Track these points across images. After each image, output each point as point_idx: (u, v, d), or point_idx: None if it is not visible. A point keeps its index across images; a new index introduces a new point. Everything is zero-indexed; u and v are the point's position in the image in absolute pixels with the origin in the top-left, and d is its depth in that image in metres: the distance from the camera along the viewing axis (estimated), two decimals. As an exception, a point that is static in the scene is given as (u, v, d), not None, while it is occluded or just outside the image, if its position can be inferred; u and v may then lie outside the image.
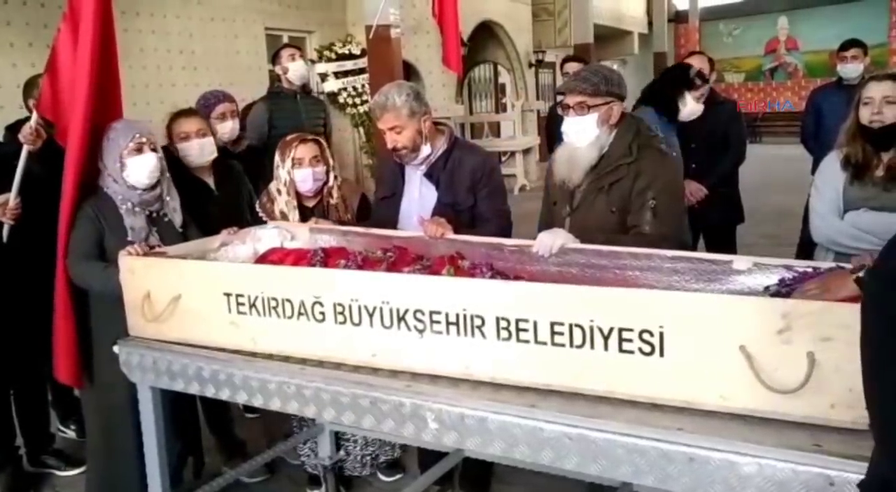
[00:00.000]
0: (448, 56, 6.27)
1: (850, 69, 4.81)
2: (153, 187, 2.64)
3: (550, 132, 6.10)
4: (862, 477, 1.19)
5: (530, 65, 13.74)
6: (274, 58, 4.88)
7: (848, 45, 4.90)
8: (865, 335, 1.05)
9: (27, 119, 3.03)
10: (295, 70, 4.65)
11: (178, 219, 2.71)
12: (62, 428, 3.84)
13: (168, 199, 2.70)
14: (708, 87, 4.08)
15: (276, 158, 2.95)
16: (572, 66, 5.46)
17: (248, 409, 3.79)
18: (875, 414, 1.05)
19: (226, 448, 3.42)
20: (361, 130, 9.54)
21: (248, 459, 3.03)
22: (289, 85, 4.71)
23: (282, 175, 2.92)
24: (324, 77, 9.30)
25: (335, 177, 3.01)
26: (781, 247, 4.37)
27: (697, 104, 3.80)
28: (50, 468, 3.46)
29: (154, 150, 2.63)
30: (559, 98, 2.51)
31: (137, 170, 2.58)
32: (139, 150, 2.58)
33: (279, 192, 2.94)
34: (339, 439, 3.06)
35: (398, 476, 3.24)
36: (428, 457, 2.85)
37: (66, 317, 2.66)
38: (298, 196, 2.93)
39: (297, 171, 2.88)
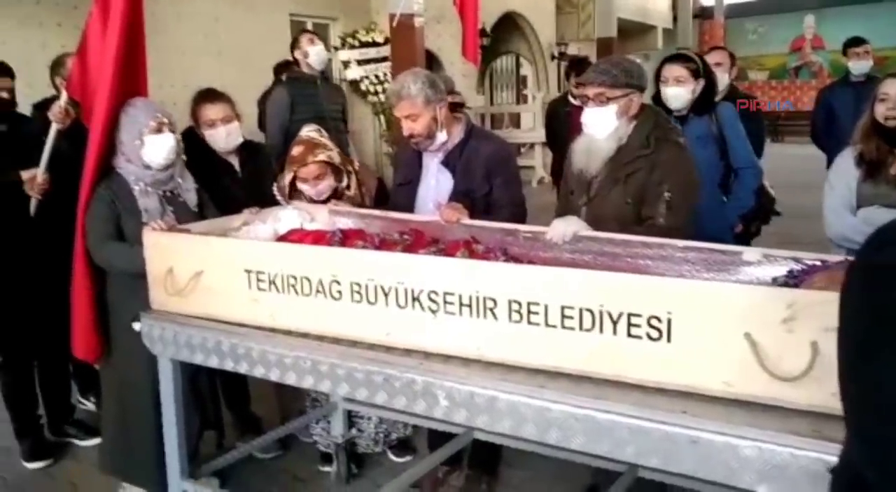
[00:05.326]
0: (466, 46, 6.27)
1: (864, 65, 4.95)
2: (166, 167, 2.68)
3: (550, 128, 6.03)
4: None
5: (552, 57, 13.71)
6: (292, 44, 4.89)
7: (858, 41, 4.99)
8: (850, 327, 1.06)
9: (55, 98, 3.10)
10: (315, 54, 4.66)
11: (192, 199, 2.75)
12: (82, 400, 3.93)
13: (180, 180, 2.74)
14: (728, 83, 4.07)
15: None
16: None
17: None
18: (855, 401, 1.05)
19: (241, 424, 3.50)
20: (382, 118, 9.57)
21: (262, 435, 3.10)
22: (309, 70, 4.73)
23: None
24: (346, 64, 9.34)
25: (348, 173, 2.97)
26: (796, 245, 4.35)
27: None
28: (70, 438, 3.56)
29: (172, 131, 2.66)
30: (572, 91, 2.52)
31: (156, 149, 2.62)
32: (159, 129, 2.62)
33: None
34: (352, 418, 3.12)
35: (408, 458, 3.29)
36: (438, 439, 2.90)
37: (84, 293, 2.70)
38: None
39: (300, 183, 2.88)
